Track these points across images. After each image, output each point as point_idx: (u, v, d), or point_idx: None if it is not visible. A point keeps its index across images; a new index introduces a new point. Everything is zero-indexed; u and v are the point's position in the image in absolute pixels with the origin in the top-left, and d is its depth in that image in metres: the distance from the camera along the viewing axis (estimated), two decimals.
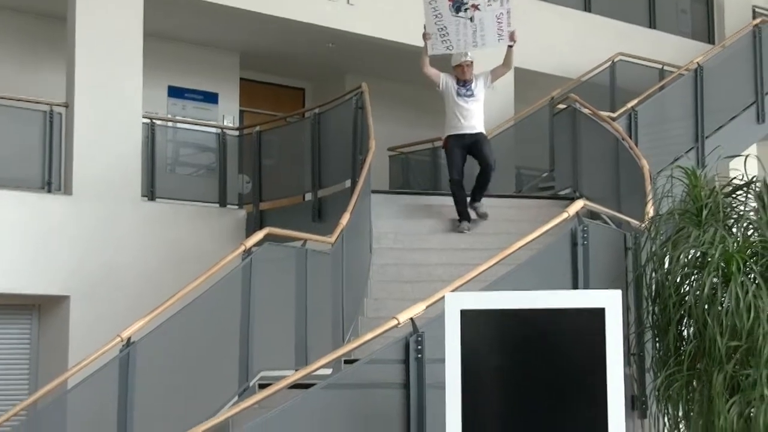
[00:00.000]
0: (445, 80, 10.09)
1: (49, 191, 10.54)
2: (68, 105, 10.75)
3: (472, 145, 10.00)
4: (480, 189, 10.14)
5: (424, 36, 9.86)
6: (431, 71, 10.05)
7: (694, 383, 6.35)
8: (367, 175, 9.31)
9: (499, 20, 9.69)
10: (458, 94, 10.00)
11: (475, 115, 10.02)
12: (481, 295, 5.27)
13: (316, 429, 5.59)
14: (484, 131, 10.15)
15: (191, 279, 7.51)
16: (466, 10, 9.69)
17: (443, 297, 5.72)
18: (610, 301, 4.88)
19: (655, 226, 6.81)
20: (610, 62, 13.86)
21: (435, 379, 5.59)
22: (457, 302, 4.95)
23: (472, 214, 10.12)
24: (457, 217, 10.05)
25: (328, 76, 14.85)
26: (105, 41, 10.94)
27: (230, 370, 7.22)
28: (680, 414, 6.45)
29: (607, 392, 4.82)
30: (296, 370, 7.43)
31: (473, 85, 10.04)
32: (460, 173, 9.98)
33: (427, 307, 5.78)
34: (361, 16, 12.83)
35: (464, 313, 4.93)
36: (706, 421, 6.25)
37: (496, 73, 10.17)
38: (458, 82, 10.04)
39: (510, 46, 9.93)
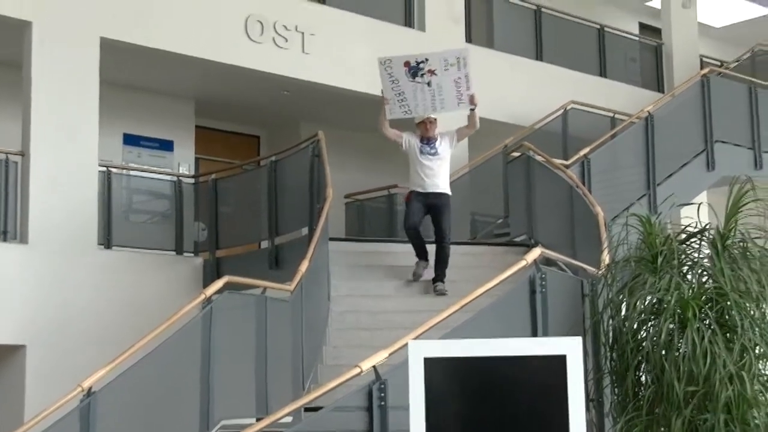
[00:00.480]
0: (408, 139, 9.90)
1: (5, 240, 10.46)
2: (24, 153, 10.69)
3: (433, 207, 9.80)
4: (441, 266, 9.80)
5: (383, 101, 9.73)
6: (391, 132, 9.90)
7: (654, 428, 6.43)
8: (325, 223, 9.36)
9: (458, 84, 9.53)
10: (422, 152, 9.79)
11: (439, 173, 9.80)
12: (444, 343, 5.33)
13: None
14: (448, 191, 9.89)
15: (149, 327, 7.47)
16: (422, 75, 9.54)
17: (405, 345, 5.81)
18: (571, 348, 4.97)
19: (612, 273, 6.92)
20: (562, 110, 14.10)
21: (397, 427, 5.64)
22: (420, 350, 5.01)
23: (429, 290, 9.78)
24: (415, 260, 9.90)
25: (283, 123, 14.94)
26: (61, 89, 10.91)
27: (191, 419, 7.17)
28: None
29: None
30: (257, 418, 7.46)
31: (437, 143, 9.83)
32: (417, 222, 9.81)
33: (389, 354, 5.82)
34: (316, 64, 12.94)
35: (428, 361, 4.99)
36: None
37: (461, 133, 10.01)
38: (422, 139, 9.84)
39: (471, 109, 9.77)
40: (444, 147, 9.83)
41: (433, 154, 9.76)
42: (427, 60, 9.50)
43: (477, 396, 5.05)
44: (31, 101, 10.73)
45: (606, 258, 7.48)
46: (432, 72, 9.47)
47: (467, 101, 9.63)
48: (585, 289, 7.17)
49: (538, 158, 11.06)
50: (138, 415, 7.16)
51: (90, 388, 6.73)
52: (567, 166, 10.89)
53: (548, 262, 7.95)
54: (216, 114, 14.50)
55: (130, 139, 13.44)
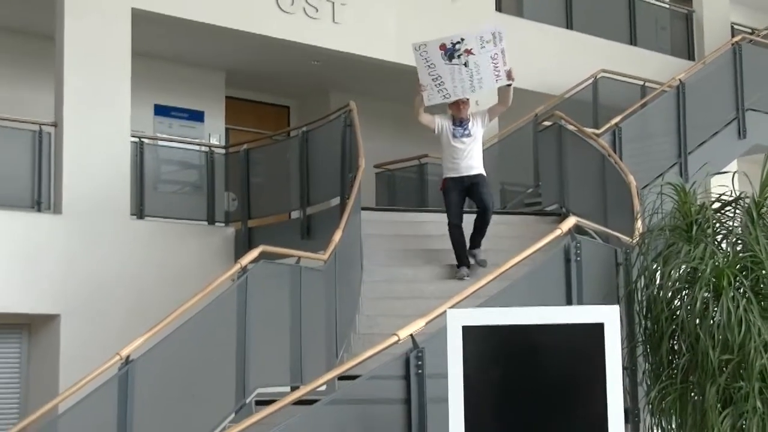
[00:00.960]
0: (441, 123, 9.66)
1: (39, 210, 10.58)
2: (57, 124, 10.79)
3: (470, 187, 9.57)
4: (478, 233, 9.69)
5: (419, 88, 9.39)
6: (425, 118, 9.64)
7: (687, 396, 6.45)
8: (358, 192, 9.40)
9: (494, 61, 9.21)
10: (454, 135, 9.56)
11: (472, 155, 9.57)
12: (482, 311, 5.36)
13: None
14: (483, 172, 9.65)
15: (182, 296, 7.56)
16: (459, 56, 9.22)
17: (442, 314, 5.85)
18: (608, 316, 4.99)
19: (646, 241, 6.92)
20: (592, 79, 14.04)
21: (434, 394, 5.68)
22: (458, 318, 5.05)
23: (470, 260, 9.61)
24: (455, 263, 9.60)
25: (313, 93, 14.95)
26: (93, 60, 11.00)
27: (227, 387, 7.26)
28: (673, 426, 6.55)
29: (607, 405, 4.92)
30: (292, 387, 7.55)
31: (470, 123, 9.62)
32: (459, 217, 9.56)
33: (426, 323, 5.86)
34: (347, 34, 12.94)
35: (466, 329, 5.02)
36: None
37: (493, 111, 9.80)
38: (454, 121, 9.62)
39: (508, 85, 9.45)
40: (476, 127, 9.63)
41: (466, 136, 9.55)
42: (463, 40, 9.21)
43: (514, 364, 5.09)
44: (63, 72, 10.82)
45: (640, 226, 7.48)
46: (469, 52, 9.18)
47: (504, 77, 9.34)
48: (619, 257, 7.16)
49: (570, 127, 11.04)
50: (175, 382, 7.27)
51: (128, 356, 6.83)
52: (598, 135, 10.87)
53: (580, 230, 7.96)
54: (246, 84, 14.53)
55: (161, 110, 13.51)
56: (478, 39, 9.17)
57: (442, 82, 9.34)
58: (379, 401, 5.81)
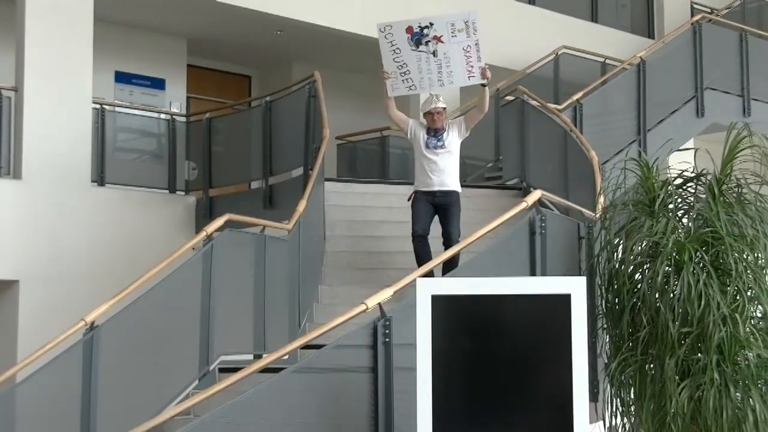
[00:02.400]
0: (414, 128, 8.72)
1: None
2: (17, 89, 10.67)
3: (441, 206, 8.61)
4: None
5: (382, 75, 8.49)
6: (397, 116, 8.75)
7: (647, 368, 6.57)
8: (322, 163, 9.41)
9: (467, 53, 8.28)
10: (427, 146, 8.59)
11: (446, 169, 8.61)
12: (452, 281, 5.44)
13: (284, 412, 5.69)
14: (458, 188, 8.71)
15: (143, 263, 7.58)
16: (427, 43, 8.29)
17: (410, 283, 5.92)
18: (575, 288, 5.09)
19: (609, 216, 7.02)
20: (553, 55, 14.13)
21: (400, 364, 5.75)
22: (428, 287, 5.11)
23: None
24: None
25: (276, 63, 14.91)
26: (55, 25, 10.88)
27: (191, 355, 7.29)
28: (632, 397, 6.68)
29: (572, 374, 5.02)
30: (255, 355, 7.59)
31: (444, 134, 8.63)
32: (425, 228, 8.60)
33: (394, 292, 5.91)
34: (310, 4, 12.91)
35: (435, 298, 5.09)
36: (657, 404, 6.48)
37: (470, 119, 8.74)
38: (428, 131, 8.65)
39: (483, 85, 8.45)
40: (452, 138, 8.65)
41: (440, 147, 8.59)
42: (431, 25, 8.28)
43: (482, 333, 5.17)
44: (24, 37, 10.70)
45: (602, 201, 7.58)
46: (438, 39, 8.26)
47: (478, 74, 8.37)
48: (582, 231, 7.27)
49: (533, 102, 11.12)
50: (139, 349, 7.28)
51: (93, 322, 6.83)
52: (560, 110, 10.96)
53: (543, 205, 8.06)
54: (208, 53, 14.47)
55: (122, 77, 13.40)
56: (449, 26, 8.25)
57: (407, 70, 8.45)
58: (347, 370, 5.85)
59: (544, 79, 13.96)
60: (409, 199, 8.78)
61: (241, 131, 12.19)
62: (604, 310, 6.92)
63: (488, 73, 8.40)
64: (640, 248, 6.76)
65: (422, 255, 8.47)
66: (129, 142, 12.58)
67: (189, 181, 12.26)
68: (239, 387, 5.74)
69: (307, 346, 6.73)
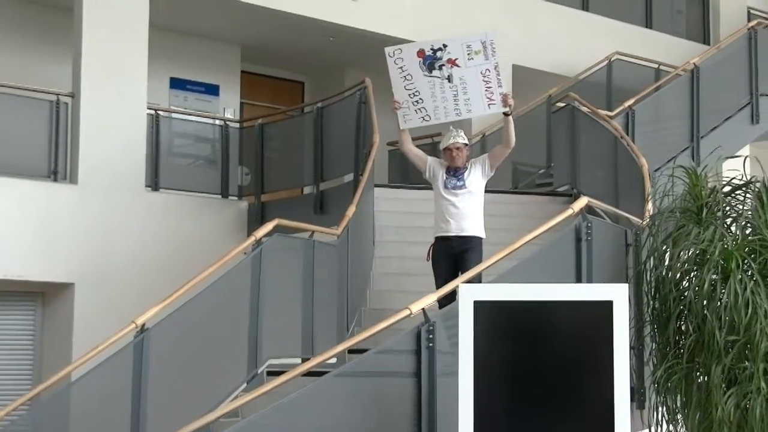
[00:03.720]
0: (432, 167, 7.91)
1: (55, 180, 10.68)
2: (74, 95, 10.89)
3: (460, 255, 7.67)
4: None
5: (393, 105, 7.76)
6: (413, 152, 7.99)
7: (693, 376, 6.54)
8: (372, 169, 9.48)
9: (486, 78, 7.48)
10: (446, 186, 7.77)
11: (466, 213, 7.72)
12: (494, 287, 5.46)
13: (328, 415, 5.76)
14: (480, 234, 7.77)
15: (195, 267, 7.69)
16: (441, 67, 7.49)
17: (454, 289, 5.95)
18: (618, 295, 5.09)
19: (656, 223, 7.00)
20: (606, 61, 14.07)
21: (443, 369, 5.78)
22: (470, 294, 5.14)
23: None
24: None
25: (328, 70, 15.01)
26: (111, 32, 11.09)
27: (239, 358, 7.39)
28: (678, 405, 6.65)
29: (614, 381, 5.02)
30: (303, 359, 7.67)
31: (465, 174, 7.80)
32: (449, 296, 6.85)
33: (438, 298, 5.95)
34: (363, 11, 13.00)
35: (477, 304, 5.12)
36: (703, 412, 6.45)
37: (495, 156, 7.92)
38: (448, 170, 7.83)
39: (506, 114, 7.69)
40: (474, 178, 7.82)
41: (460, 188, 7.76)
42: (445, 47, 7.47)
43: (524, 340, 5.19)
44: (81, 44, 10.92)
45: (650, 208, 7.56)
46: (453, 62, 7.46)
47: (499, 101, 7.59)
48: (629, 238, 7.25)
49: (584, 109, 11.09)
50: (188, 352, 7.40)
51: (143, 325, 6.95)
52: (611, 117, 10.92)
53: (591, 211, 8.05)
54: (261, 59, 14.61)
55: (176, 83, 13.60)
56: (464, 47, 7.44)
57: (420, 99, 7.66)
58: (390, 374, 5.90)
59: (597, 85, 13.92)
60: (428, 258, 7.87)
61: (294, 137, 12.30)
62: (651, 318, 6.90)
63: (511, 101, 7.60)
64: (687, 256, 6.73)
65: None
66: (183, 148, 12.76)
67: (242, 187, 12.40)
68: (287, 390, 5.81)
69: (353, 351, 6.82)
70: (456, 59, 7.47)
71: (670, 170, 7.27)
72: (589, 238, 6.85)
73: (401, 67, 7.58)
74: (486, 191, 10.42)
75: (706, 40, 16.81)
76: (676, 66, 13.32)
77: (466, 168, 7.85)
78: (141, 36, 11.32)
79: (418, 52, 7.56)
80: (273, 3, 12.35)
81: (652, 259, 6.92)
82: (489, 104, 7.62)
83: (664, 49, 15.51)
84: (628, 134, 10.76)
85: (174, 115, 12.62)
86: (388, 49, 7.62)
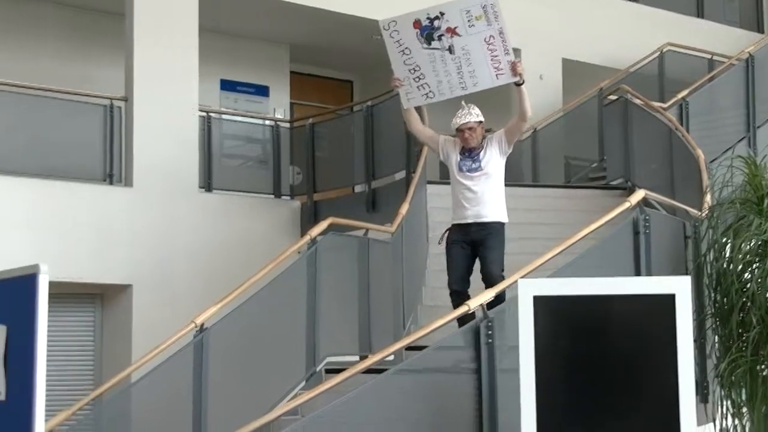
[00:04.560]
0: (445, 148, 7.25)
1: (111, 183, 10.80)
2: (127, 99, 10.99)
3: (479, 242, 7.05)
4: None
5: (394, 83, 7.05)
6: (423, 133, 7.40)
7: (758, 368, 6.45)
8: (424, 166, 9.46)
9: (491, 46, 6.72)
10: (460, 169, 7.11)
11: (484, 198, 7.04)
12: (554, 281, 5.41)
13: (387, 412, 5.74)
14: (501, 218, 7.10)
15: (250, 267, 7.73)
16: (440, 38, 6.76)
17: (513, 283, 5.92)
18: (680, 288, 5.02)
19: (716, 215, 6.91)
20: (658, 52, 13.92)
21: (504, 366, 5.75)
22: (530, 288, 5.10)
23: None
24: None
25: (376, 68, 14.94)
26: (162, 36, 11.18)
27: (297, 356, 7.41)
28: (743, 399, 6.56)
29: (678, 375, 4.95)
30: (360, 357, 7.67)
31: (481, 154, 7.10)
32: (461, 282, 7.06)
33: (496, 294, 5.92)
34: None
35: (537, 299, 5.08)
36: None
37: (511, 131, 7.17)
38: (462, 150, 7.16)
39: (517, 84, 6.90)
40: (490, 158, 7.10)
41: (475, 170, 7.08)
42: (442, 14, 6.74)
43: (585, 334, 5.14)
44: (133, 48, 11.01)
45: (709, 200, 7.46)
46: (453, 31, 6.73)
47: (508, 71, 6.82)
48: (688, 231, 7.17)
49: (636, 101, 10.99)
50: (247, 351, 7.44)
51: (202, 324, 6.99)
52: (665, 109, 10.81)
53: (648, 204, 7.96)
54: (310, 59, 14.64)
55: (227, 85, 13.68)
56: (463, 14, 6.72)
57: (422, 74, 6.93)
58: (449, 371, 5.89)
59: (649, 77, 13.77)
60: (440, 241, 7.33)
61: (344, 136, 12.32)
62: (713, 311, 6.82)
63: (520, 68, 6.79)
64: (748, 247, 6.65)
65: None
66: (235, 149, 12.84)
67: (294, 186, 12.44)
68: (345, 388, 5.82)
69: (411, 348, 6.80)
70: (456, 27, 6.73)
71: (727, 161, 7.19)
72: (647, 231, 6.76)
73: (398, 41, 6.86)
74: (538, 185, 10.46)
75: (760, 29, 16.59)
76: (730, 56, 13.15)
77: (482, 148, 7.13)
78: (191, 39, 11.40)
79: (414, 23, 6.80)
80: (320, 2, 12.39)
81: (712, 251, 6.84)
82: (497, 74, 6.83)
83: (717, 38, 15.31)
84: (682, 125, 10.64)
85: (225, 116, 12.70)
86: (382, 22, 6.93)
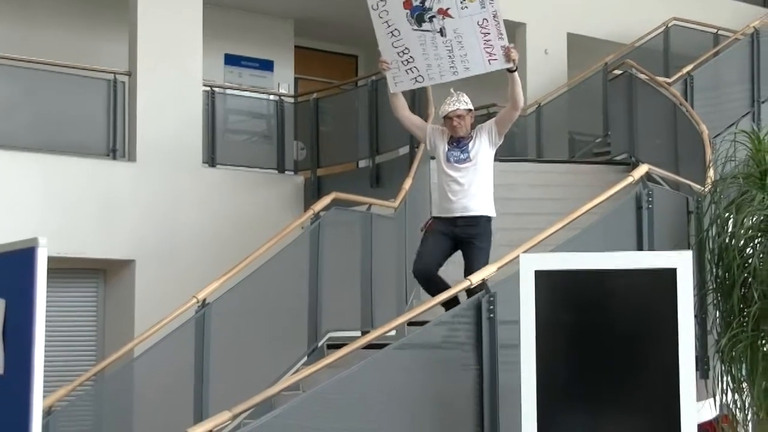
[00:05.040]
0: (432, 137, 6.83)
1: (114, 158, 10.80)
2: (131, 73, 10.98)
3: (465, 240, 6.68)
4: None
5: (381, 66, 6.73)
6: (409, 120, 6.93)
7: (758, 344, 6.45)
8: None
9: (484, 29, 6.38)
10: (447, 159, 6.70)
11: (470, 190, 6.65)
12: (555, 255, 5.41)
13: (388, 388, 5.74)
14: (488, 213, 6.73)
15: (253, 242, 7.75)
16: (431, 19, 6.40)
17: (514, 258, 5.91)
18: (681, 262, 5.00)
19: (718, 189, 6.89)
20: (663, 27, 13.86)
21: (505, 341, 5.75)
22: (531, 263, 5.10)
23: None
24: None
25: None
26: (166, 10, 11.16)
27: (299, 331, 7.43)
28: (743, 374, 6.56)
29: (678, 350, 4.95)
30: (362, 332, 7.69)
31: (470, 144, 6.70)
32: (429, 267, 6.64)
33: (498, 268, 5.92)
34: None
35: (538, 274, 5.08)
36: None
37: (503, 121, 6.76)
38: (450, 140, 6.76)
39: (511, 70, 6.50)
40: (479, 148, 6.70)
41: (463, 161, 6.68)
42: None
43: (587, 309, 5.13)
44: (137, 23, 10.99)
45: (712, 175, 7.45)
46: (445, 13, 6.38)
47: (502, 56, 6.45)
48: (690, 206, 7.16)
49: (641, 76, 10.94)
50: (249, 326, 7.45)
51: (204, 300, 7.01)
52: (670, 84, 10.76)
53: (651, 179, 7.94)
54: (315, 34, 14.59)
55: (231, 60, 13.63)
56: None
57: (411, 57, 6.58)
58: (450, 346, 5.88)
59: (653, 52, 13.71)
60: (422, 229, 6.89)
61: (349, 111, 12.29)
62: (714, 286, 6.81)
63: (514, 54, 6.43)
64: (751, 222, 6.63)
65: (431, 290, 6.55)
66: (239, 124, 12.82)
67: (297, 161, 12.43)
68: (347, 363, 5.82)
69: (413, 323, 6.80)
70: (448, 9, 6.37)
71: (731, 136, 7.15)
72: (650, 206, 6.75)
73: (386, 22, 6.47)
74: (542, 161, 10.43)
75: (765, 3, 16.50)
76: (735, 30, 13.08)
77: (471, 137, 6.72)
78: (195, 13, 11.38)
79: (404, 3, 6.42)
80: None
81: (714, 226, 6.82)
82: (490, 60, 6.46)
83: (723, 13, 15.22)
84: (687, 100, 10.60)
85: (229, 91, 12.68)
86: (370, 1, 6.49)
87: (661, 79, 10.90)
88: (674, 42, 13.81)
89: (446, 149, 6.71)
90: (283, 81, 14.02)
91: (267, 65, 13.95)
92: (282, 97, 12.74)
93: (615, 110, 11.91)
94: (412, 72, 6.63)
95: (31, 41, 11.60)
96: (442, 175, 6.75)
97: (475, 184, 6.65)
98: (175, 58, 11.16)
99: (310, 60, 14.78)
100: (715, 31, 14.00)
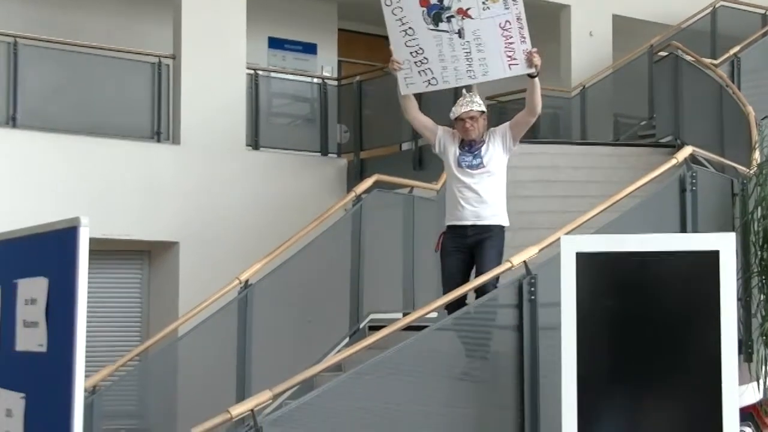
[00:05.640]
0: (443, 140, 6.46)
1: (159, 141, 10.89)
2: (175, 56, 11.06)
3: (475, 246, 6.31)
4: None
5: (393, 66, 6.41)
6: (420, 122, 6.60)
7: None
8: None
9: (506, 32, 5.97)
10: (459, 164, 6.33)
11: (485, 198, 6.29)
12: (597, 237, 5.39)
13: (428, 369, 5.77)
14: (501, 223, 6.38)
15: (296, 224, 7.78)
16: (449, 19, 6.01)
17: (555, 241, 5.89)
18: (724, 244, 4.96)
19: (764, 172, 6.82)
20: (710, 8, 13.68)
21: (545, 322, 5.74)
22: (572, 245, 5.08)
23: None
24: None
25: None
26: None
27: (341, 313, 7.47)
28: None
29: (721, 333, 4.91)
30: (404, 314, 7.70)
31: (483, 149, 6.35)
32: (454, 287, 6.09)
33: (539, 250, 5.90)
34: None
35: (580, 256, 5.06)
36: None
37: (518, 126, 6.47)
38: (462, 144, 6.40)
39: (532, 76, 6.10)
40: (493, 154, 6.36)
41: (476, 167, 6.31)
42: None
43: (628, 291, 5.11)
44: (181, 6, 11.07)
45: (757, 157, 7.36)
46: (465, 13, 5.99)
47: (524, 61, 6.04)
48: (735, 188, 7.08)
49: (687, 58, 10.81)
50: (291, 307, 7.50)
51: (247, 281, 7.06)
52: (716, 66, 10.63)
53: (695, 161, 7.87)
54: (358, 16, 14.55)
55: (274, 43, 13.67)
56: None
57: (425, 58, 6.22)
58: (490, 328, 5.89)
59: (700, 33, 13.54)
60: (436, 248, 6.52)
61: (392, 93, 12.13)
62: (759, 269, 6.74)
63: (537, 60, 6.01)
64: None
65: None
66: (282, 107, 12.86)
67: (341, 144, 12.45)
68: (388, 344, 5.83)
69: None
70: (468, 9, 5.98)
71: None
72: (693, 188, 6.69)
73: (400, 19, 6.11)
74: (586, 143, 10.35)
75: None
76: None
77: (484, 141, 6.37)
78: None
79: (421, 1, 6.03)
80: None
81: (759, 208, 6.75)
82: (510, 64, 6.05)
83: None
84: (733, 82, 10.46)
85: (273, 74, 12.72)
86: None
87: (707, 60, 10.76)
88: (721, 23, 13.62)
89: (457, 153, 6.36)
90: (326, 64, 14.03)
91: (310, 48, 13.97)
92: (325, 80, 12.76)
93: (660, 92, 11.78)
94: (426, 74, 6.30)
95: (77, 26, 11.70)
96: (452, 180, 6.40)
97: (489, 192, 6.31)
98: (219, 42, 11.22)
99: (353, 43, 14.77)
100: (763, 11, 13.79)
